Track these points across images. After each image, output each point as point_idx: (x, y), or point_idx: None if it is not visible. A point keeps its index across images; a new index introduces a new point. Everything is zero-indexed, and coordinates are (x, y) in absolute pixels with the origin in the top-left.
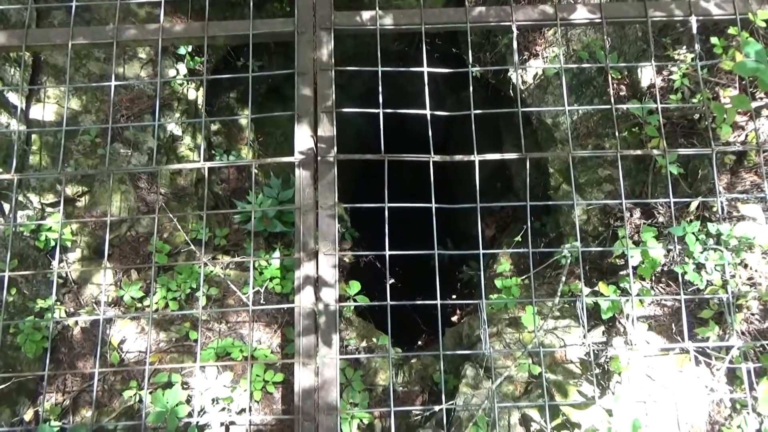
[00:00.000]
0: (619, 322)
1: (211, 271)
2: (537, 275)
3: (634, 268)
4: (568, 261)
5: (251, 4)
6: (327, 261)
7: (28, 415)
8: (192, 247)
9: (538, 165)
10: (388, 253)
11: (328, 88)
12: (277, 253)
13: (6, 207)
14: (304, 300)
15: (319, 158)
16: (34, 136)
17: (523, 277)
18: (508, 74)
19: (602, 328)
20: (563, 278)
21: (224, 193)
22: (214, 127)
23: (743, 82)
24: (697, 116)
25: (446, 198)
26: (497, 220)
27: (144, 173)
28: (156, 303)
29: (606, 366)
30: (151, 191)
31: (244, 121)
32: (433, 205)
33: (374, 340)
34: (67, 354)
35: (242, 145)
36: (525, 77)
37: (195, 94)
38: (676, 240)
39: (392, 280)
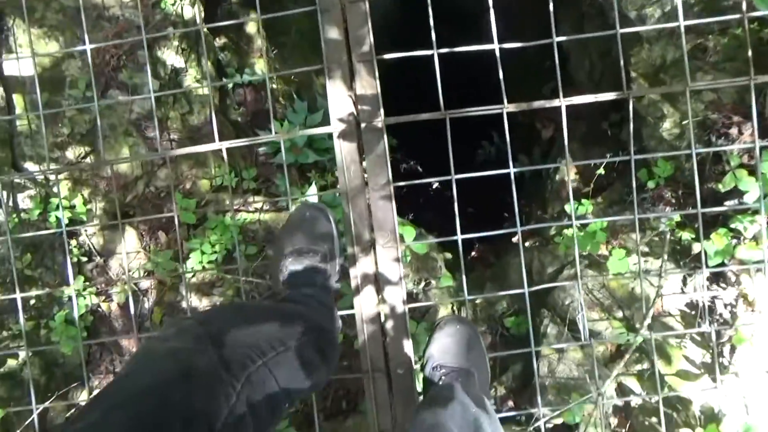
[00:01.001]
0: (730, 270)
1: (245, 220)
2: (617, 199)
3: (743, 202)
4: (666, 232)
5: None
6: (387, 254)
7: (83, 397)
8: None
9: (608, 53)
10: (454, 177)
11: (362, 26)
12: (313, 188)
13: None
14: (366, 304)
15: (362, 125)
16: (16, 97)
17: (598, 200)
18: None
19: (707, 273)
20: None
21: (244, 120)
22: (219, 42)
23: None
24: None
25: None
26: (553, 118)
27: (149, 120)
28: (191, 269)
29: (715, 322)
30: (163, 139)
31: (252, 29)
32: (512, 170)
33: (434, 282)
34: (108, 334)
35: (255, 58)
36: None
37: (191, 11)
38: None
39: (436, 184)
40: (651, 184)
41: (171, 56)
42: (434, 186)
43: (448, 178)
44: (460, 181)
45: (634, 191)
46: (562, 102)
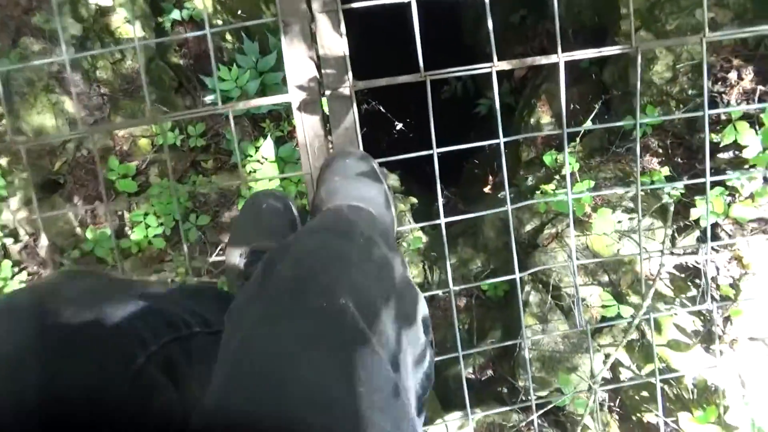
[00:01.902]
0: (723, 230)
1: (194, 183)
2: (598, 146)
3: (739, 155)
4: (670, 204)
5: None
6: None
7: None
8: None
9: None
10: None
11: None
12: (269, 141)
13: None
14: None
15: (327, 92)
16: None
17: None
18: None
19: (696, 233)
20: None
21: (186, 64)
22: None
23: None
24: None
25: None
26: (528, 53)
27: (73, 70)
28: (137, 244)
29: (709, 287)
30: (92, 94)
31: None
32: (501, 140)
33: (404, 244)
34: None
35: None
36: None
37: None
38: None
39: (400, 125)
40: (634, 130)
41: None
42: (398, 127)
43: (430, 152)
44: (420, 121)
45: (638, 159)
46: (560, 58)
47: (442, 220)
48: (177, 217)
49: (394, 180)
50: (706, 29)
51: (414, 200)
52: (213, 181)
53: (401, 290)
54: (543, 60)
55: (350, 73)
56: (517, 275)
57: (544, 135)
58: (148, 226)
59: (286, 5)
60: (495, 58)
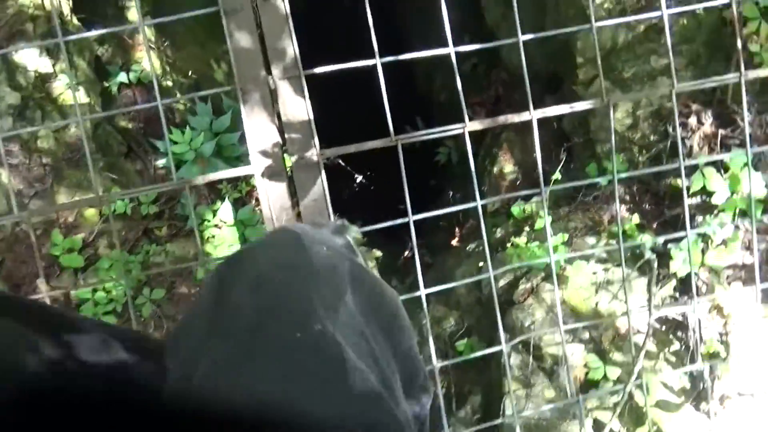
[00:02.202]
0: (699, 278)
1: (147, 253)
2: (562, 194)
3: (707, 201)
4: (653, 260)
5: None
6: None
7: None
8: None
9: (542, 31)
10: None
11: (281, 30)
12: (227, 204)
13: None
14: None
15: (293, 159)
16: None
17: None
18: None
19: (673, 283)
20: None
21: (136, 127)
22: (94, 33)
23: None
24: None
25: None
26: (484, 102)
27: (11, 142)
28: None
29: (691, 340)
30: (33, 164)
31: (133, 15)
32: (479, 202)
33: None
34: None
35: (141, 51)
36: None
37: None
38: None
39: (360, 178)
40: (603, 182)
41: (33, 59)
42: (358, 180)
43: (405, 220)
44: (380, 172)
45: (617, 213)
46: (533, 114)
47: (423, 291)
48: (128, 292)
49: (355, 232)
50: (675, 81)
51: (378, 253)
52: (168, 250)
53: (379, 300)
54: (516, 118)
55: (317, 140)
56: (504, 346)
57: (522, 195)
58: (97, 304)
59: (244, 72)
60: (467, 118)
